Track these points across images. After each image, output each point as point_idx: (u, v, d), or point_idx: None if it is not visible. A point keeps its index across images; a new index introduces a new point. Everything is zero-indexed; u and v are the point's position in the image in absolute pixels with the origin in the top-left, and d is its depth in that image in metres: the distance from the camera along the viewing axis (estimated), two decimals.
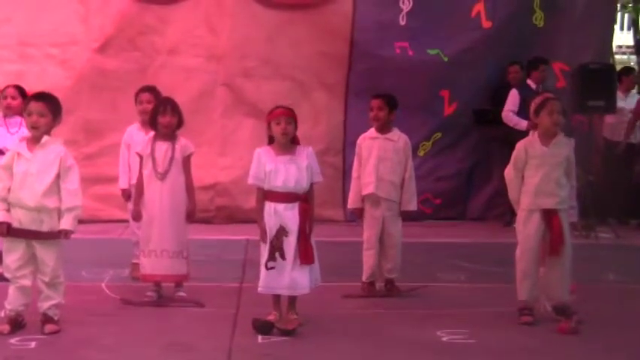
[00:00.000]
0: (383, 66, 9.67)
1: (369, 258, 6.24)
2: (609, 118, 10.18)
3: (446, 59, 9.98)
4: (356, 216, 6.47)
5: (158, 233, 5.82)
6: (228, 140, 9.76)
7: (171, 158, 5.83)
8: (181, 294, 5.96)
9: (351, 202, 6.37)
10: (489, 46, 10.01)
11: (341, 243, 7.87)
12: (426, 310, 5.76)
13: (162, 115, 5.84)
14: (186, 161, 5.91)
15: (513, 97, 9.39)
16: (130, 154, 6.46)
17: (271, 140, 5.30)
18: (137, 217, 5.93)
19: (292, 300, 5.28)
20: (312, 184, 5.28)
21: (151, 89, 6.64)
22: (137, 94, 6.65)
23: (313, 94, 9.88)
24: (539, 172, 5.44)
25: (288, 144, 5.27)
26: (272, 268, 5.12)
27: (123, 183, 6.58)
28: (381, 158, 6.22)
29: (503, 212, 9.53)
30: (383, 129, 6.29)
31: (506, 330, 5.29)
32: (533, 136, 5.56)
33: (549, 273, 5.45)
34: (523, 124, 8.84)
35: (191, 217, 5.91)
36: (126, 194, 6.56)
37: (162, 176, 5.81)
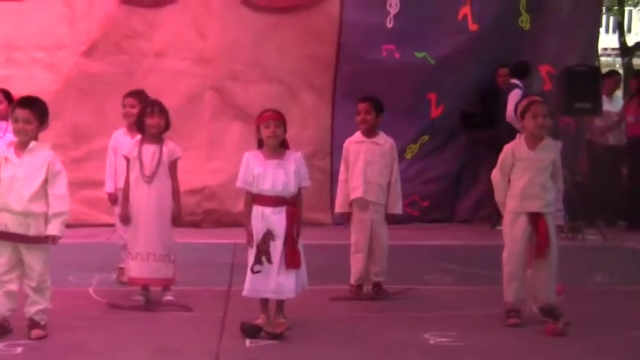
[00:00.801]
0: (370, 69, 9.70)
1: (357, 261, 6.25)
2: (599, 121, 10.23)
3: (433, 62, 10.01)
4: (344, 220, 6.47)
5: (144, 236, 5.81)
6: (217, 144, 9.76)
7: (159, 161, 5.82)
8: (169, 298, 5.95)
9: (339, 207, 6.38)
10: (476, 49, 10.04)
11: (328, 246, 7.86)
12: (413, 313, 5.77)
13: (150, 116, 5.83)
14: (173, 165, 5.90)
15: (517, 97, 9.09)
16: (116, 158, 6.45)
17: (260, 144, 5.30)
18: (126, 220, 5.90)
19: (280, 304, 5.27)
20: (299, 189, 5.27)
21: (136, 93, 6.62)
22: (123, 99, 6.64)
23: (301, 97, 9.90)
24: (525, 176, 5.45)
25: (277, 148, 5.27)
26: (258, 271, 5.11)
27: (109, 187, 6.57)
28: (368, 162, 6.23)
29: (490, 214, 9.56)
30: (369, 133, 6.30)
31: (494, 332, 5.29)
32: (520, 140, 5.57)
33: (536, 275, 5.46)
34: None
35: (176, 220, 5.89)
36: (112, 198, 6.56)
37: (149, 179, 5.80)
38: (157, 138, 5.88)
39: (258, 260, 5.11)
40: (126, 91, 6.74)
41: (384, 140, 6.32)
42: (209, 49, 9.75)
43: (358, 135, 6.35)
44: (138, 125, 5.93)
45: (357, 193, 6.23)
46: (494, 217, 9.03)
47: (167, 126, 5.91)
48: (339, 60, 9.87)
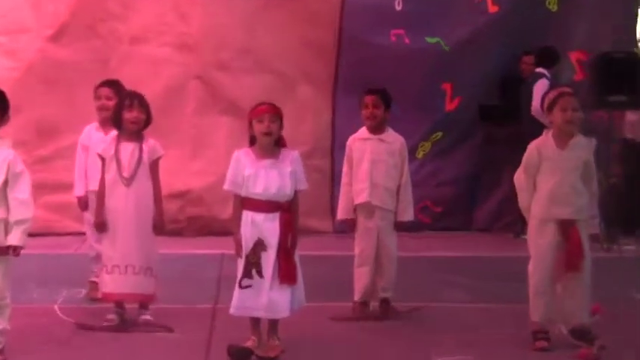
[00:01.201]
0: (376, 56, 9.64)
1: (362, 275, 6.21)
2: (631, 116, 10.18)
3: (447, 48, 9.97)
4: (347, 228, 6.44)
5: (123, 246, 5.79)
6: (202, 141, 9.72)
7: (139, 161, 5.81)
8: (147, 317, 5.91)
9: (342, 213, 6.35)
10: (497, 34, 10.00)
11: (328, 257, 7.86)
12: (425, 335, 5.76)
13: (129, 110, 5.81)
14: (154, 165, 5.89)
15: (544, 88, 8.91)
16: (87, 157, 6.45)
17: (253, 141, 5.28)
18: (102, 228, 5.88)
19: (274, 324, 5.24)
20: (296, 192, 5.24)
21: (112, 83, 6.64)
22: (96, 89, 6.63)
23: (297, 88, 9.86)
24: (553, 178, 5.42)
25: (272, 146, 5.25)
26: (248, 286, 5.08)
27: (79, 190, 6.55)
28: (374, 162, 6.21)
29: (513, 221, 9.52)
30: (377, 129, 6.26)
31: (518, 357, 5.27)
32: (547, 136, 5.54)
33: (566, 291, 5.44)
34: None
35: (158, 228, 5.87)
36: (82, 203, 6.54)
37: (128, 181, 5.79)
38: (136, 134, 5.86)
39: (247, 273, 5.08)
40: (99, 81, 6.73)
41: (393, 137, 6.29)
42: (192, 33, 9.72)
43: (363, 131, 6.32)
44: (114, 120, 5.92)
45: (362, 197, 6.20)
46: (518, 224, 8.98)
47: (148, 121, 5.90)
48: (341, 46, 9.83)
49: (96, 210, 5.98)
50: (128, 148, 5.82)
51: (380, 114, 6.25)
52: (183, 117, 9.68)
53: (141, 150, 5.82)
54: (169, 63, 9.68)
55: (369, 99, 6.27)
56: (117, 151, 5.82)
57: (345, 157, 6.37)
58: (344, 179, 6.35)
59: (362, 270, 6.22)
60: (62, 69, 9.40)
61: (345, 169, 6.36)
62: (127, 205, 5.79)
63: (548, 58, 9.63)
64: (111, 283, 5.83)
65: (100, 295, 6.02)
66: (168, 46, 9.70)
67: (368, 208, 6.21)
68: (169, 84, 9.63)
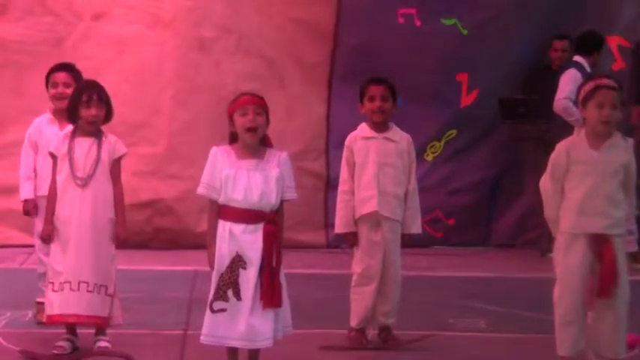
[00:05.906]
0: (381, 40, 9.71)
1: (364, 296, 6.19)
2: None
3: (465, 32, 10.01)
4: (348, 243, 6.40)
5: (75, 260, 5.78)
6: (176, 139, 9.72)
7: (96, 160, 5.82)
8: (104, 344, 5.91)
9: (341, 226, 6.30)
10: (523, 15, 10.05)
11: (321, 276, 7.88)
12: None
13: (87, 106, 5.81)
14: (116, 165, 5.91)
15: (571, 80, 8.93)
16: (37, 154, 6.45)
17: (233, 139, 5.28)
18: (50, 238, 5.87)
19: (254, 355, 5.22)
20: (282, 201, 5.24)
21: (69, 68, 6.64)
22: (49, 75, 6.63)
23: (287, 76, 9.89)
24: (585, 184, 5.40)
25: (256, 145, 5.24)
26: (221, 310, 5.07)
27: (25, 192, 6.54)
28: (381, 165, 6.20)
29: (539, 236, 9.55)
30: (381, 126, 6.27)
31: None
32: (579, 136, 5.53)
33: (599, 320, 5.41)
34: None
35: (118, 239, 5.88)
36: (29, 208, 6.53)
37: (84, 183, 5.79)
38: (95, 131, 5.88)
39: (221, 295, 5.06)
40: (53, 65, 6.72)
41: (399, 136, 6.30)
42: (167, 8, 9.73)
43: (364, 129, 6.31)
44: (69, 114, 5.93)
45: (369, 207, 6.17)
46: (544, 240, 9.01)
47: (109, 116, 5.91)
48: (339, 28, 9.86)
49: (45, 217, 5.96)
50: (84, 145, 5.83)
51: (389, 108, 6.24)
52: (154, 109, 9.70)
53: (99, 147, 5.84)
54: (139, 44, 9.74)
55: (375, 90, 6.25)
56: (70, 149, 5.83)
57: (344, 160, 6.33)
58: (343, 186, 6.31)
59: (364, 290, 6.19)
60: (8, 50, 9.42)
61: (343, 174, 6.32)
62: (81, 211, 5.78)
63: (591, 44, 9.56)
64: (58, 304, 5.78)
65: (44, 319, 5.97)
66: (137, 24, 9.76)
67: (374, 219, 6.20)
68: (139, 69, 9.65)
